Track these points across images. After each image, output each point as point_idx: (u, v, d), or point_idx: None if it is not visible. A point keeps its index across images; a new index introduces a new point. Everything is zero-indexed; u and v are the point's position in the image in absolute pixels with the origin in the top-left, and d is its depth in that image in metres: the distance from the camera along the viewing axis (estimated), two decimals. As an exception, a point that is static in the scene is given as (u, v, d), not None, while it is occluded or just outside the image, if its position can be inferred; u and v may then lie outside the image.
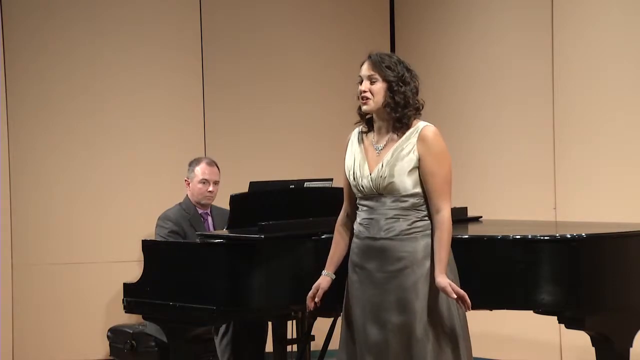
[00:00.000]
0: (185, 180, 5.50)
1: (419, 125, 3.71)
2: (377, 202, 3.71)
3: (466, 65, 6.66)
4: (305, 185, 4.92)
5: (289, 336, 4.92)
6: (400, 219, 3.68)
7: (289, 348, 4.92)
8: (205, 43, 6.78)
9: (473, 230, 4.56)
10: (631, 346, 4.11)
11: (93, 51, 6.54)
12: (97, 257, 6.48)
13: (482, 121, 6.56)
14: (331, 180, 4.93)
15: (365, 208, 3.75)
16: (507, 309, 4.00)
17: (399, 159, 3.67)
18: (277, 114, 6.91)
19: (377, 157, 3.73)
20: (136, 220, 6.30)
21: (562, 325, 4.07)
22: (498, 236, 4.00)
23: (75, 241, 6.47)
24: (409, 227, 3.67)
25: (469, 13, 6.68)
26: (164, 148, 6.63)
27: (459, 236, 3.85)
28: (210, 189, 5.44)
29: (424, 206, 3.70)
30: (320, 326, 4.83)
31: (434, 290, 3.66)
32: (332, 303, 3.90)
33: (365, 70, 3.73)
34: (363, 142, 3.80)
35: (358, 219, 3.79)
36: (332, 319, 4.69)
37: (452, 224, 3.67)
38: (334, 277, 3.88)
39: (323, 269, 3.90)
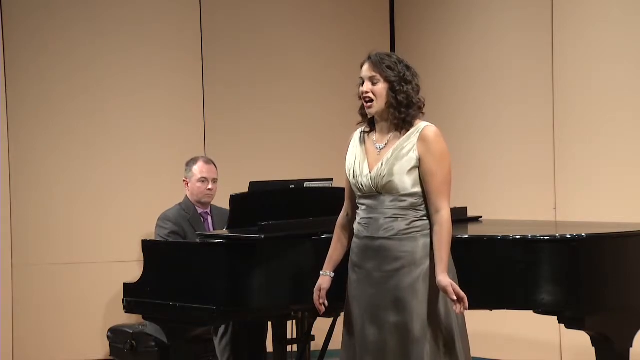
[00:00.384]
0: (184, 181, 5.50)
1: (420, 125, 3.71)
2: (376, 201, 3.71)
3: (466, 65, 6.66)
4: (305, 185, 4.91)
5: (289, 336, 4.91)
6: (399, 219, 3.68)
7: (289, 348, 4.91)
8: (205, 43, 6.78)
9: (473, 230, 4.56)
10: (631, 346, 4.11)
11: (93, 51, 6.54)
12: (97, 257, 6.48)
13: (482, 121, 6.56)
14: (331, 180, 4.93)
15: (364, 207, 3.75)
16: (507, 309, 4.00)
17: (398, 158, 3.67)
18: (277, 114, 6.91)
19: (378, 156, 3.73)
20: (136, 220, 6.30)
21: (562, 325, 4.07)
22: (498, 236, 4.00)
23: (75, 241, 6.47)
24: (407, 226, 3.67)
25: (469, 13, 6.68)
26: (164, 148, 6.63)
27: (459, 236, 3.85)
28: (210, 186, 5.44)
29: (423, 206, 3.70)
30: (320, 326, 4.83)
31: (432, 290, 3.65)
32: (332, 303, 3.90)
33: (366, 71, 3.72)
34: (365, 142, 3.80)
35: (357, 219, 3.79)
36: (332, 319, 4.69)
37: (452, 224, 3.67)
38: (333, 275, 3.88)
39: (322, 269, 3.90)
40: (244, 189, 4.82)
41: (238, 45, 6.86)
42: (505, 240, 3.97)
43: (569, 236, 3.92)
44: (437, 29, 6.90)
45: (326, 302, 3.88)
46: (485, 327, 5.46)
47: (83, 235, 6.47)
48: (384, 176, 3.67)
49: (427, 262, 3.66)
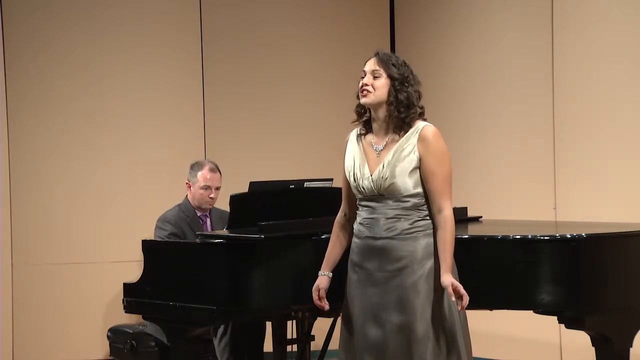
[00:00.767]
0: (187, 183, 5.49)
1: (419, 125, 3.71)
2: (378, 202, 3.71)
3: (466, 65, 6.66)
4: (305, 185, 4.91)
5: (289, 336, 4.91)
6: (402, 219, 3.68)
7: (289, 348, 4.91)
8: (205, 43, 6.78)
9: (473, 230, 4.56)
10: (631, 346, 4.11)
11: (93, 51, 6.54)
12: (97, 257, 6.48)
13: (482, 121, 6.56)
14: (331, 180, 4.92)
15: (366, 208, 3.75)
16: (507, 309, 4.00)
17: (399, 160, 3.67)
18: (277, 114, 6.91)
19: (377, 158, 3.73)
20: (136, 220, 6.30)
21: (562, 325, 4.07)
22: (498, 236, 4.00)
23: (75, 241, 6.47)
24: (410, 226, 3.67)
25: (469, 13, 6.68)
26: (164, 148, 6.64)
27: (459, 236, 3.84)
28: (212, 195, 5.44)
29: (425, 206, 3.70)
30: (320, 326, 4.83)
31: (435, 290, 3.66)
32: (332, 303, 3.90)
33: (370, 65, 3.72)
34: (362, 143, 3.80)
35: (358, 219, 3.79)
36: (332, 319, 4.69)
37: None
38: (330, 275, 3.88)
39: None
40: (244, 189, 4.82)
41: (238, 45, 6.86)
42: (505, 240, 3.97)
43: (569, 236, 3.92)
44: (437, 29, 6.90)
45: (327, 304, 3.87)
46: (485, 327, 5.45)
47: (83, 235, 6.47)
48: (386, 178, 3.67)
49: (430, 262, 3.67)
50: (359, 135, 3.82)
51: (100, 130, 6.55)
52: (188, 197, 5.48)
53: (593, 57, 5.87)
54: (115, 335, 5.68)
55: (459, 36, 6.74)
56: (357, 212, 3.81)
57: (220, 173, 5.49)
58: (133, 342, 5.50)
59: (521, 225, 4.70)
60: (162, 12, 6.71)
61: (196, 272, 4.26)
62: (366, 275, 3.74)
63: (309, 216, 4.37)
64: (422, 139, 3.67)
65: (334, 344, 3.93)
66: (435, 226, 3.68)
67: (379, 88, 3.69)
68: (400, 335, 3.66)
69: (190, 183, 5.46)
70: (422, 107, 3.73)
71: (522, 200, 6.17)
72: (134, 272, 5.14)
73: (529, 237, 3.95)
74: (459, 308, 3.61)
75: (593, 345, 4.11)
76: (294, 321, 4.97)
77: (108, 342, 5.76)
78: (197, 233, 4.94)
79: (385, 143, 3.73)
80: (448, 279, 3.59)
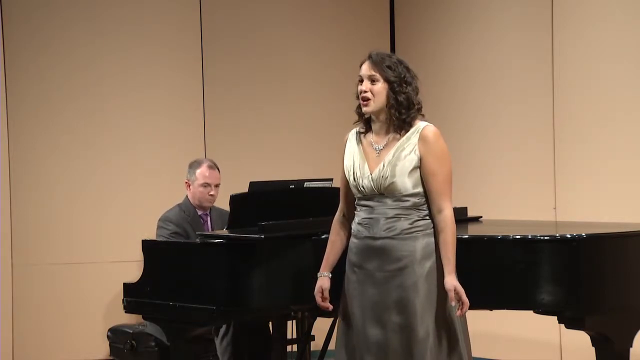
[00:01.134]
0: (186, 182, 5.49)
1: (420, 125, 3.71)
2: (377, 201, 3.71)
3: (466, 65, 6.66)
4: (305, 185, 4.91)
5: (289, 336, 4.92)
6: (402, 218, 3.68)
7: (289, 348, 4.91)
8: (205, 43, 6.78)
9: (473, 230, 4.56)
10: (631, 346, 4.11)
11: (93, 51, 6.54)
12: (97, 257, 6.48)
13: (482, 121, 6.56)
14: (331, 180, 4.92)
15: (365, 208, 3.75)
16: (507, 309, 4.00)
17: (400, 159, 3.67)
18: (277, 114, 6.91)
19: (377, 157, 3.72)
20: (136, 220, 6.30)
21: (562, 325, 4.06)
22: (498, 236, 3.99)
23: (75, 241, 6.47)
24: (410, 225, 3.67)
25: (469, 13, 6.68)
26: (164, 148, 6.64)
27: (459, 236, 3.84)
28: (212, 192, 5.44)
29: (425, 205, 3.70)
30: (320, 326, 4.83)
31: (435, 290, 3.66)
32: (333, 303, 3.89)
33: (366, 70, 3.72)
34: (361, 143, 3.80)
35: (357, 219, 3.79)
36: (332, 319, 4.68)
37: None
38: (330, 275, 3.87)
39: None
40: (244, 189, 4.82)
41: (238, 45, 6.86)
42: (505, 240, 3.97)
43: (569, 236, 3.92)
44: (437, 29, 6.90)
45: (331, 305, 3.87)
46: (485, 327, 5.45)
47: (83, 235, 6.47)
48: (386, 177, 3.67)
49: (430, 262, 3.67)
50: (359, 135, 3.81)
51: (100, 130, 6.55)
52: (188, 196, 5.48)
53: (593, 57, 5.87)
54: (115, 335, 5.68)
55: (459, 36, 6.74)
56: (355, 212, 3.81)
57: (218, 170, 5.49)
58: (133, 342, 5.50)
59: (521, 225, 4.70)
60: (162, 12, 6.71)
61: (196, 272, 4.26)
62: (366, 275, 3.73)
63: (309, 216, 4.37)
64: (422, 139, 3.67)
65: (334, 344, 3.93)
66: (435, 226, 3.68)
67: (378, 94, 3.69)
68: (400, 335, 3.66)
69: (190, 182, 5.46)
70: (419, 103, 3.73)
71: (522, 200, 6.17)
72: (134, 272, 5.14)
73: (529, 237, 3.95)
74: (458, 313, 3.61)
75: (593, 345, 4.11)
76: (294, 321, 4.97)
77: (108, 342, 5.75)
78: (197, 233, 4.94)
79: (385, 142, 3.73)
80: (452, 282, 3.59)
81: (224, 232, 4.55)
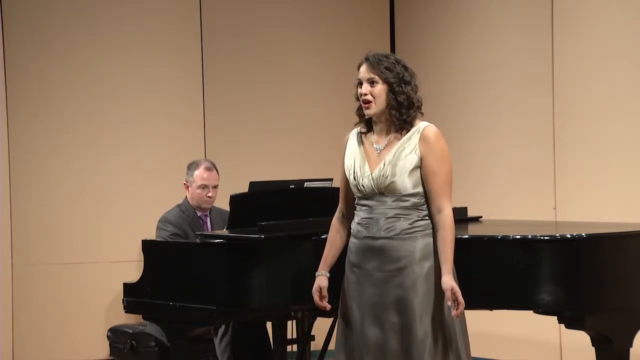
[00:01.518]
0: (184, 184, 5.48)
1: (420, 125, 3.71)
2: (377, 201, 3.71)
3: (466, 65, 6.66)
4: (305, 185, 4.91)
5: (289, 336, 4.91)
6: (402, 218, 3.68)
7: (289, 348, 4.91)
8: (205, 43, 6.78)
9: (473, 230, 4.56)
10: (631, 346, 4.11)
11: (93, 51, 6.54)
12: (97, 257, 6.48)
13: (482, 121, 6.56)
14: (331, 180, 4.92)
15: (364, 207, 3.75)
16: (507, 309, 4.00)
17: (400, 159, 3.67)
18: (277, 114, 6.91)
19: (378, 157, 3.72)
20: (136, 220, 6.30)
21: (562, 325, 4.06)
22: (498, 236, 4.00)
23: (75, 241, 6.47)
24: (410, 226, 3.67)
25: (469, 13, 6.68)
26: (164, 148, 6.64)
27: (459, 236, 3.84)
28: (210, 194, 5.42)
29: (425, 205, 3.70)
30: (320, 326, 4.83)
31: (434, 290, 3.66)
32: (333, 303, 3.89)
33: (364, 72, 3.71)
34: (362, 143, 3.80)
35: (356, 219, 3.78)
36: (332, 319, 4.69)
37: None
38: (329, 275, 3.87)
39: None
40: (244, 189, 4.82)
41: (238, 45, 6.86)
42: (505, 240, 3.97)
43: (569, 236, 3.92)
44: (437, 29, 6.90)
45: (328, 305, 3.87)
46: (485, 327, 5.46)
47: (83, 235, 6.47)
48: (386, 177, 3.67)
49: (429, 262, 3.67)
50: (360, 135, 3.82)
51: (100, 130, 6.55)
52: (187, 197, 5.47)
53: (593, 57, 5.87)
54: (115, 335, 5.68)
55: (459, 36, 6.74)
56: (355, 212, 3.81)
57: (217, 171, 5.47)
58: (133, 342, 5.50)
59: (521, 225, 4.70)
60: (162, 12, 6.71)
61: (196, 272, 4.26)
62: (365, 275, 3.73)
63: (309, 216, 4.37)
64: (423, 139, 3.67)
65: (334, 344, 3.93)
66: (434, 226, 3.68)
67: (378, 96, 3.69)
68: (399, 335, 3.66)
69: (188, 183, 5.45)
70: (419, 100, 3.73)
71: (522, 200, 6.17)
72: (134, 272, 5.15)
73: (529, 237, 3.95)
74: (453, 314, 3.61)
75: (593, 345, 4.11)
76: (294, 321, 4.97)
77: (108, 342, 5.75)
78: (197, 233, 4.94)
79: (386, 142, 3.73)
80: (449, 282, 3.59)
81: (224, 232, 4.55)
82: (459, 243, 3.72)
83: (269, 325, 5.02)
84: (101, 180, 6.52)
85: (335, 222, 3.91)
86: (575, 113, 5.98)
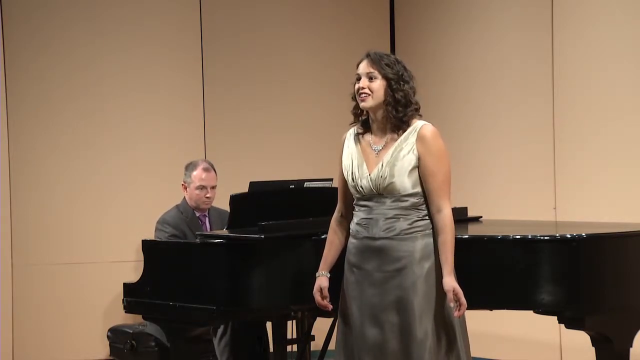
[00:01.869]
0: (182, 184, 5.48)
1: (417, 124, 3.71)
2: (376, 202, 3.71)
3: (466, 65, 6.66)
4: (305, 185, 4.91)
5: (289, 336, 4.91)
6: (401, 219, 3.67)
7: (289, 348, 4.91)
8: (205, 43, 6.78)
9: (473, 230, 4.56)
10: (631, 346, 4.11)
11: (93, 51, 6.54)
12: (97, 257, 6.48)
13: (482, 121, 6.56)
14: (331, 180, 4.92)
15: (363, 208, 3.75)
16: (507, 309, 4.00)
17: (398, 159, 3.67)
18: (277, 114, 6.91)
19: (376, 157, 3.72)
20: (136, 220, 6.30)
21: (562, 325, 4.06)
22: (498, 236, 3.99)
23: (75, 241, 6.47)
24: (409, 226, 3.67)
25: (469, 13, 6.68)
26: (164, 148, 6.64)
27: (459, 236, 3.84)
28: (208, 195, 5.42)
29: (424, 205, 3.70)
30: (320, 326, 4.83)
31: (434, 290, 3.65)
32: (333, 303, 3.89)
33: (364, 67, 3.71)
34: (360, 143, 3.79)
35: (355, 219, 3.78)
36: (332, 319, 4.68)
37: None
38: (329, 275, 3.87)
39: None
40: (244, 189, 4.82)
41: (238, 45, 6.86)
42: (505, 240, 3.97)
43: (569, 236, 3.92)
44: (437, 29, 6.90)
45: (330, 304, 3.87)
46: (485, 327, 5.45)
47: (83, 235, 6.47)
48: (385, 177, 3.67)
49: (429, 262, 3.66)
50: (357, 135, 3.81)
51: (100, 130, 6.55)
52: (185, 197, 5.47)
53: (593, 57, 5.87)
54: (115, 335, 5.68)
55: (459, 36, 6.74)
56: (353, 212, 3.80)
57: (215, 172, 5.47)
58: (133, 342, 5.50)
59: (521, 225, 4.70)
60: (162, 12, 6.71)
61: (196, 272, 4.26)
62: (364, 275, 3.73)
63: (309, 216, 4.37)
64: (421, 139, 3.67)
65: (334, 344, 3.93)
66: (434, 226, 3.68)
67: (376, 90, 3.68)
68: (399, 335, 3.65)
69: (186, 184, 5.45)
70: (417, 103, 3.73)
71: (522, 200, 6.17)
72: (134, 272, 5.15)
73: (529, 237, 3.95)
74: (455, 315, 3.61)
75: (593, 345, 4.11)
76: (294, 321, 4.97)
77: (108, 342, 5.75)
78: (197, 233, 4.94)
79: (384, 143, 3.73)
80: (450, 283, 3.59)
81: (224, 232, 4.55)
82: (459, 243, 3.71)
83: (268, 325, 5.03)
84: (101, 180, 6.52)
85: (334, 222, 3.91)
86: (575, 113, 5.97)
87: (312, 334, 4.93)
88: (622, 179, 5.70)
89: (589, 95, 5.89)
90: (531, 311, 4.05)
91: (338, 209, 3.90)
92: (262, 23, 6.93)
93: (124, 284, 4.51)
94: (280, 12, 6.99)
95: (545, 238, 3.93)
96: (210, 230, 5.41)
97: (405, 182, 3.66)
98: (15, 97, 6.41)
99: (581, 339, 4.23)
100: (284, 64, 6.96)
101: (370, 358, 3.70)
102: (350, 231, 3.80)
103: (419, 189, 3.68)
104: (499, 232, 4.05)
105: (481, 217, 4.92)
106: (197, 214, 5.45)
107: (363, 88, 3.69)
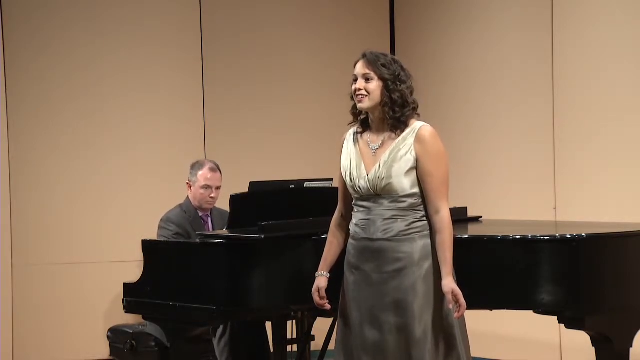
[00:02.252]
0: (187, 183, 5.48)
1: (416, 125, 3.70)
2: (374, 202, 3.70)
3: (466, 65, 6.66)
4: (305, 185, 4.91)
5: (289, 336, 4.92)
6: (399, 220, 3.67)
7: (289, 348, 4.91)
8: (205, 43, 6.78)
9: (473, 230, 4.56)
10: (631, 346, 4.11)
11: (93, 51, 6.54)
12: (97, 257, 6.48)
13: (482, 121, 6.56)
14: (331, 180, 4.92)
15: (362, 209, 3.75)
16: (507, 309, 4.00)
17: (396, 160, 3.66)
18: (277, 114, 6.91)
19: (374, 157, 3.72)
20: (136, 220, 6.30)
21: (562, 325, 4.07)
22: (498, 236, 3.99)
23: (75, 241, 6.47)
24: (407, 227, 3.67)
25: (469, 13, 6.68)
26: (164, 148, 6.64)
27: (459, 236, 3.85)
28: (213, 195, 5.43)
29: (422, 206, 3.69)
30: (320, 326, 4.83)
31: (433, 291, 3.65)
32: (333, 303, 3.89)
33: (360, 68, 3.71)
34: (358, 143, 3.79)
35: (354, 220, 3.78)
36: (332, 319, 4.68)
37: (452, 224, 3.67)
38: (328, 275, 3.87)
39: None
40: (244, 189, 4.82)
41: (238, 45, 6.87)
42: (505, 240, 3.97)
43: (569, 236, 3.92)
44: (437, 29, 6.90)
45: (328, 304, 3.87)
46: (485, 327, 5.46)
47: (83, 235, 6.47)
48: (382, 178, 3.66)
49: (428, 263, 3.66)
50: (356, 134, 3.81)
51: (100, 130, 6.55)
52: (189, 196, 5.47)
53: (593, 57, 5.87)
54: (115, 335, 5.68)
55: (459, 36, 6.74)
56: (352, 213, 3.80)
57: (220, 172, 5.48)
58: (133, 342, 5.50)
59: (521, 225, 4.70)
60: (162, 12, 6.71)
61: (196, 272, 4.26)
62: (363, 276, 3.73)
63: (309, 216, 4.37)
64: (419, 140, 3.66)
65: (334, 344, 3.93)
66: (432, 227, 3.68)
67: (372, 91, 3.68)
68: (398, 336, 3.65)
69: (191, 183, 5.46)
70: (415, 102, 3.73)
71: (522, 200, 6.17)
72: (134, 272, 5.14)
73: (529, 237, 3.95)
74: (455, 316, 3.61)
75: (593, 345, 4.11)
76: (294, 321, 4.97)
77: (108, 342, 5.75)
78: (197, 233, 4.94)
79: (381, 142, 3.72)
80: (449, 285, 3.59)
81: (224, 232, 4.55)
82: (459, 243, 3.71)
83: (268, 325, 5.03)
84: (101, 180, 6.52)
85: (334, 223, 3.90)
86: (575, 113, 5.97)
87: (312, 334, 4.93)
88: (622, 179, 5.70)
89: (589, 95, 5.89)
90: (531, 311, 4.05)
91: (338, 209, 3.90)
92: (262, 23, 6.93)
93: (124, 284, 4.52)
94: (280, 12, 7.00)
95: (545, 238, 3.93)
96: (213, 230, 5.41)
97: (403, 183, 3.66)
98: (15, 97, 6.41)
99: (581, 339, 4.23)
100: (284, 64, 6.96)
101: (369, 359, 3.70)
102: (350, 232, 3.80)
103: (416, 190, 3.68)
104: (499, 232, 4.05)
105: (481, 217, 4.92)
106: (200, 214, 5.45)
107: (360, 89, 3.69)
